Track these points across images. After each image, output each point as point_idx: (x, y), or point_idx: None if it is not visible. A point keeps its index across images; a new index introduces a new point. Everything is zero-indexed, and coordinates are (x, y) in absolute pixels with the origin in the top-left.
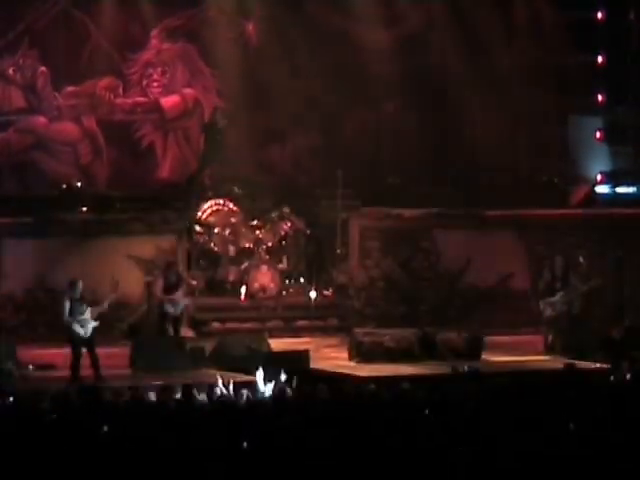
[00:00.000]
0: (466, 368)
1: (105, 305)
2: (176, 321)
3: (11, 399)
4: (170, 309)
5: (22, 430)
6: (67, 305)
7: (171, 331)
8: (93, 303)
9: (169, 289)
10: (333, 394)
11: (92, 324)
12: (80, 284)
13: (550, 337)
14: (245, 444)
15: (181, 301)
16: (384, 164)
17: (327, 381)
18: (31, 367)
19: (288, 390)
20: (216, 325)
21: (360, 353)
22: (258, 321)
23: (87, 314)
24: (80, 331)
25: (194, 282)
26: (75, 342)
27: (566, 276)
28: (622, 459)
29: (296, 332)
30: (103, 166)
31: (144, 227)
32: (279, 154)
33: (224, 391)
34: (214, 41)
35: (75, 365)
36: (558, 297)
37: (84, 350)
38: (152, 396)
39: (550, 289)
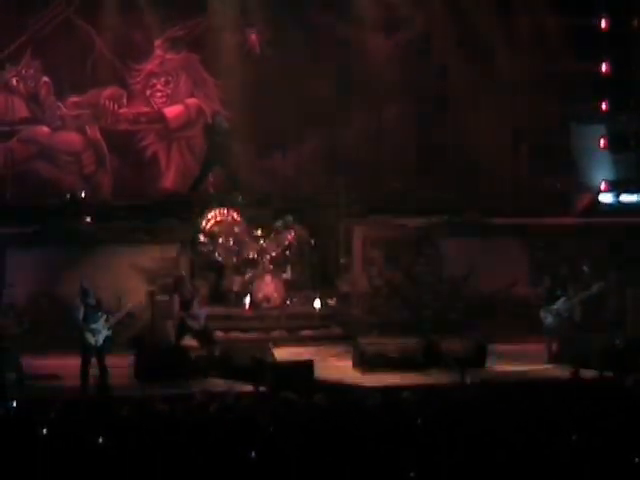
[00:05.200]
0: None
1: (122, 314)
2: (204, 333)
3: (14, 409)
4: (194, 324)
5: (24, 440)
6: (81, 311)
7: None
8: (108, 312)
9: (186, 304)
10: (333, 403)
11: (104, 333)
12: (91, 290)
13: (553, 345)
14: (249, 454)
15: (201, 313)
16: (386, 169)
17: (331, 390)
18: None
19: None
20: (220, 335)
21: (364, 362)
22: (262, 331)
23: (100, 323)
24: (91, 340)
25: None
26: (84, 350)
27: (566, 283)
28: (626, 469)
29: (300, 341)
30: (107, 176)
31: (148, 237)
32: (281, 162)
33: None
34: (217, 50)
35: (84, 374)
36: (559, 305)
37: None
38: (159, 406)
39: (551, 296)
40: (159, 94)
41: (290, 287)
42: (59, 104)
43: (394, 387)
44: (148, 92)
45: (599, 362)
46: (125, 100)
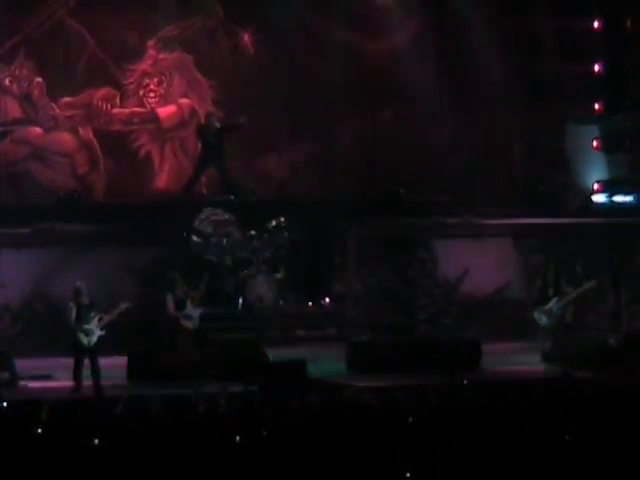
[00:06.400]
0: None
1: (114, 314)
2: (198, 334)
3: (5, 410)
4: (187, 323)
5: (16, 440)
6: (73, 312)
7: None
8: (102, 312)
9: (180, 305)
10: (326, 404)
11: (97, 334)
12: (85, 290)
13: (547, 346)
14: (244, 454)
15: (194, 313)
16: (381, 172)
17: (324, 390)
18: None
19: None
20: (214, 335)
21: (357, 362)
22: (255, 331)
23: (93, 323)
24: (84, 340)
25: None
26: (77, 350)
27: (558, 283)
28: (621, 470)
29: (293, 342)
30: (100, 176)
31: (141, 237)
32: (276, 163)
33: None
34: (211, 51)
35: (77, 374)
36: (551, 305)
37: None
38: (153, 407)
39: (542, 297)
40: (152, 94)
41: (283, 287)
42: (52, 105)
43: (388, 387)
44: (141, 92)
45: (593, 362)
46: (118, 100)
